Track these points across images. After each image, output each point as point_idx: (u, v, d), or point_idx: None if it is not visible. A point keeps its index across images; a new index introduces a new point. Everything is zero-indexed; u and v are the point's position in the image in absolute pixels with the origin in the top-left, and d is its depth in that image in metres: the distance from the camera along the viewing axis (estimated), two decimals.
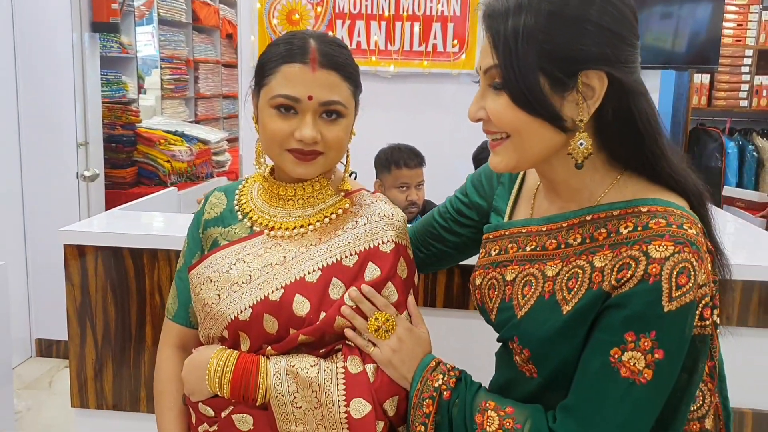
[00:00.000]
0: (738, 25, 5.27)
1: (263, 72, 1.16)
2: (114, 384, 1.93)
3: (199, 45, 6.52)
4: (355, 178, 1.32)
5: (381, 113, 3.05)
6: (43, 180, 3.65)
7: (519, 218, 1.13)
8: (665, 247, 0.88)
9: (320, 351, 1.15)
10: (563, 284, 0.97)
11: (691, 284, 0.88)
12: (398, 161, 2.60)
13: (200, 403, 1.19)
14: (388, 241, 1.19)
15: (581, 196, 1.02)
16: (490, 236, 1.15)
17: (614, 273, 0.91)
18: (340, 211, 1.22)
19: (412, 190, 2.61)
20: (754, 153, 5.36)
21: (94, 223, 2.07)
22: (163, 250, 1.84)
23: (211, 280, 1.20)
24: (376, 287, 1.16)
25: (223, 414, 1.17)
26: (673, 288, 0.87)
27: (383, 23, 3.18)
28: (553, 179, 1.04)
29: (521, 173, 1.17)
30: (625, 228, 0.94)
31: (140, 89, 5.45)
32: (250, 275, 1.17)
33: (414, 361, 1.12)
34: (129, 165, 4.25)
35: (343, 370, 1.12)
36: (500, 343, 1.14)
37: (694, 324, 0.91)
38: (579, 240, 0.99)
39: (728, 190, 4.99)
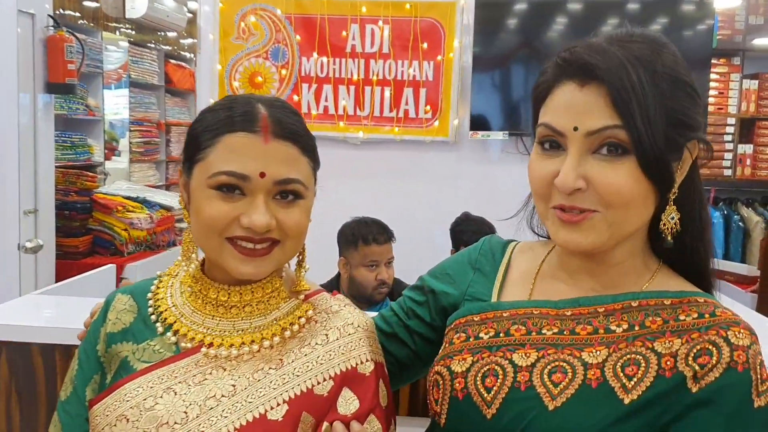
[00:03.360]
0: (719, 93, 5.21)
1: (197, 144, 0.92)
2: None
3: (172, 108, 6.42)
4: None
5: (349, 182, 2.86)
6: None
7: (512, 300, 1.01)
8: (744, 334, 0.85)
9: None
10: (617, 371, 0.89)
11: None
12: (366, 237, 2.41)
13: None
14: (367, 360, 0.96)
15: (627, 281, 0.95)
16: (476, 318, 0.99)
17: (692, 358, 0.86)
18: (303, 320, 0.98)
19: (382, 268, 2.41)
20: (740, 223, 5.21)
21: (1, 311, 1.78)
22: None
23: (127, 420, 0.90)
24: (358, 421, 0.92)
25: None
26: (759, 381, 0.84)
27: (352, 87, 3.02)
28: (606, 261, 0.95)
29: (506, 259, 1.07)
30: (687, 316, 0.89)
31: (113, 151, 5.33)
32: (185, 413, 0.89)
33: None
34: (83, 233, 4.01)
35: None
36: None
37: None
38: (625, 326, 0.92)
39: (717, 263, 4.80)
